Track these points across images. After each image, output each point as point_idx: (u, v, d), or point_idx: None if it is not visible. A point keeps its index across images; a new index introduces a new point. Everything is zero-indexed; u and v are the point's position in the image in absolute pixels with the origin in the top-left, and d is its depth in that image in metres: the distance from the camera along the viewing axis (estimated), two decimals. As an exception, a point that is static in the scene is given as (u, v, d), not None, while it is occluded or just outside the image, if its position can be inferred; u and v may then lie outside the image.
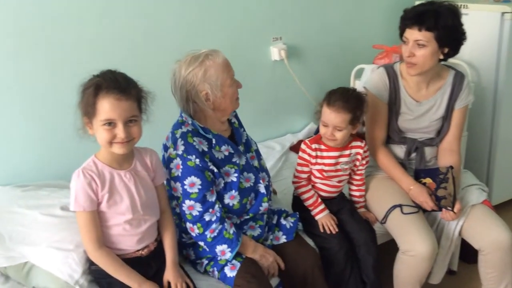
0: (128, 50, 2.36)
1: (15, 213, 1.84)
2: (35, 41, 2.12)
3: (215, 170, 1.78)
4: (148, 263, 1.67)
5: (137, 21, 2.37)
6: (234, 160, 1.85)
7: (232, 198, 1.82)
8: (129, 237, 1.63)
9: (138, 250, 1.66)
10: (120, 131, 1.51)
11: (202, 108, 1.78)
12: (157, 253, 1.71)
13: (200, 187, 1.74)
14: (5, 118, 2.13)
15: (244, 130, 2.03)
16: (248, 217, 1.90)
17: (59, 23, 2.16)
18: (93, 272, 1.66)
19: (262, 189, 1.90)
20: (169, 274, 1.67)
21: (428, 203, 2.02)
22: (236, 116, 2.03)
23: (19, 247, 1.72)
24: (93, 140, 1.61)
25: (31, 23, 2.10)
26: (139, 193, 1.64)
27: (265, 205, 1.90)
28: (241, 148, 1.91)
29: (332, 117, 1.90)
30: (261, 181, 1.90)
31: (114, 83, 1.52)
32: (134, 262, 1.63)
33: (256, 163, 1.94)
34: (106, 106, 1.49)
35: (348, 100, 1.90)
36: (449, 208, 1.99)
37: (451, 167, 2.01)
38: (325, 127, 1.94)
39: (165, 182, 1.79)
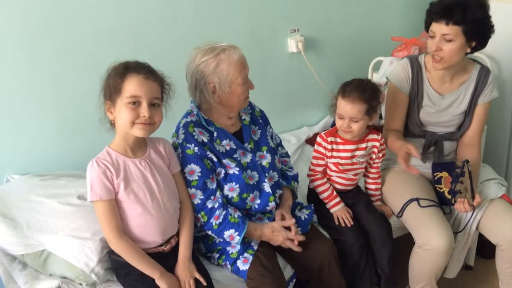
0: (145, 42, 2.37)
1: (33, 202, 1.87)
2: (53, 31, 2.14)
3: (215, 159, 1.79)
4: (167, 257, 1.68)
5: (154, 12, 2.37)
6: (235, 156, 1.85)
7: (231, 190, 1.82)
8: (152, 227, 1.63)
9: (161, 245, 1.67)
10: (144, 110, 1.54)
11: (208, 99, 1.80)
12: (178, 248, 1.71)
13: (200, 174, 1.76)
14: (24, 109, 2.16)
15: (264, 128, 2.00)
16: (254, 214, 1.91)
17: (76, 13, 2.17)
18: (113, 261, 1.67)
19: (267, 188, 1.89)
20: (179, 269, 1.67)
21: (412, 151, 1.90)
22: (262, 116, 2.03)
23: (36, 235, 1.74)
24: (110, 134, 1.64)
25: (49, 13, 2.11)
26: (156, 180, 1.65)
27: (271, 204, 1.89)
28: (248, 145, 1.90)
29: (348, 108, 1.89)
30: (266, 180, 1.88)
31: (142, 65, 1.59)
32: (154, 257, 1.64)
33: (265, 162, 1.92)
34: (133, 83, 1.53)
35: (364, 90, 1.88)
36: (467, 200, 1.95)
37: (467, 161, 1.97)
38: (341, 119, 1.93)
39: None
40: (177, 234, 1.73)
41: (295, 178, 2.09)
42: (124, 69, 1.55)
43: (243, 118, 1.95)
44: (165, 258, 1.66)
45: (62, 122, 2.27)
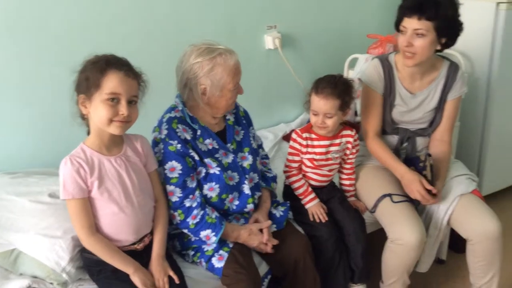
0: (121, 38, 2.34)
1: (3, 200, 1.83)
2: (26, 25, 2.10)
3: (196, 157, 1.78)
4: (140, 255, 1.66)
5: (129, 7, 2.34)
6: (216, 155, 1.84)
7: (211, 190, 1.82)
8: (125, 226, 1.61)
9: (133, 244, 1.65)
10: (123, 108, 1.52)
11: (196, 98, 1.79)
12: (151, 246, 1.70)
13: (180, 172, 1.75)
14: (-5, 105, 2.12)
15: (248, 129, 2.00)
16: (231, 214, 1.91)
17: (49, 6, 2.14)
18: (85, 259, 1.65)
19: (246, 190, 1.88)
20: (153, 267, 1.65)
21: (420, 192, 1.97)
22: (246, 117, 2.03)
23: (6, 234, 1.72)
24: (84, 130, 1.61)
25: (21, 6, 2.08)
26: (131, 179, 1.63)
27: (250, 206, 1.89)
28: (230, 146, 1.90)
29: (321, 104, 1.90)
30: (246, 181, 1.88)
31: (122, 61, 1.56)
32: (127, 254, 1.62)
33: (246, 163, 1.92)
34: (114, 80, 1.50)
35: (336, 86, 1.90)
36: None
37: (429, 155, 2.01)
38: (315, 115, 1.94)
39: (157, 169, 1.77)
40: (151, 232, 1.72)
41: (274, 179, 2.09)
42: (105, 64, 1.52)
43: (227, 118, 1.94)
44: (138, 256, 1.65)
45: (34, 118, 2.23)
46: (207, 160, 1.81)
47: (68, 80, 1.58)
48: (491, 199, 2.91)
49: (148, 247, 1.69)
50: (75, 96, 1.57)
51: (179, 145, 1.75)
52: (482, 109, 2.87)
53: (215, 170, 1.81)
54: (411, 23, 1.95)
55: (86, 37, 2.24)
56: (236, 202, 1.88)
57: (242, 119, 2.01)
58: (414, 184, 1.99)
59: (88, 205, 1.56)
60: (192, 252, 1.85)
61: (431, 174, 1.99)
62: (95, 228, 1.58)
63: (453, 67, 2.13)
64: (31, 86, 2.18)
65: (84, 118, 1.60)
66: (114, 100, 1.51)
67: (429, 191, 1.98)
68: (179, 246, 1.88)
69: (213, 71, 1.74)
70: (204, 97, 1.78)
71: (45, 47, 2.17)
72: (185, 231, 1.80)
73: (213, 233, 1.77)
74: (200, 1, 2.54)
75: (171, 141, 1.75)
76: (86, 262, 1.66)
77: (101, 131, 1.58)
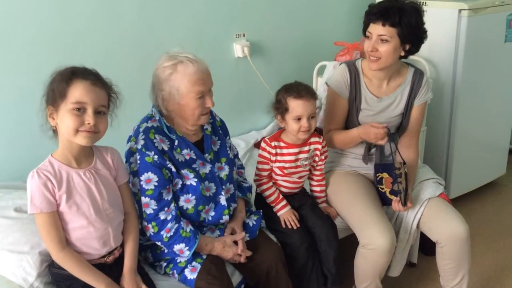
0: (88, 45, 2.31)
1: (-33, 215, 1.79)
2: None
3: (173, 169, 1.76)
4: (110, 268, 1.64)
5: (96, 15, 2.32)
6: (194, 166, 1.83)
7: (187, 202, 1.80)
8: (94, 240, 1.58)
9: (103, 257, 1.62)
10: (89, 117, 1.49)
11: (159, 105, 1.78)
12: (121, 259, 1.67)
13: (156, 183, 1.72)
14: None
15: (224, 139, 1.99)
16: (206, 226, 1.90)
17: (15, 14, 2.11)
18: (54, 274, 1.62)
19: (223, 201, 1.87)
20: (125, 281, 1.63)
21: (378, 134, 1.99)
22: (222, 127, 2.02)
23: (-29, 251, 1.67)
24: (53, 142, 1.58)
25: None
26: (101, 193, 1.60)
27: (225, 217, 1.89)
28: (208, 156, 1.88)
29: (307, 106, 1.92)
30: (222, 192, 1.87)
31: (90, 71, 1.54)
32: (97, 268, 1.59)
33: (223, 174, 1.90)
34: (80, 89, 1.48)
35: (307, 88, 1.96)
36: (401, 201, 2.02)
37: (404, 163, 2.05)
38: (299, 120, 1.94)
39: (129, 181, 1.75)
40: (121, 245, 1.69)
41: (250, 189, 2.09)
42: (71, 74, 1.49)
43: (205, 127, 1.92)
44: (108, 269, 1.62)
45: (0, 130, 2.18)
46: (184, 171, 1.79)
47: (34, 89, 1.56)
48: (458, 202, 2.99)
49: (118, 260, 1.67)
50: (44, 108, 1.54)
51: (156, 156, 1.72)
52: (448, 114, 2.94)
53: (191, 181, 1.79)
54: (376, 29, 2.00)
55: (52, 47, 2.21)
56: (212, 213, 1.87)
57: (219, 129, 1.99)
58: (370, 130, 2.02)
59: (57, 219, 1.53)
60: (165, 264, 1.82)
61: (406, 182, 2.03)
62: (65, 242, 1.55)
63: (418, 73, 2.18)
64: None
65: (54, 130, 1.57)
66: (80, 109, 1.49)
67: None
68: (152, 257, 1.85)
69: (172, 77, 1.72)
70: (166, 103, 1.76)
71: (10, 57, 2.13)
72: (158, 243, 1.78)
73: (187, 247, 1.75)
74: (168, 9, 2.54)
75: (147, 152, 1.72)
76: (55, 277, 1.62)
77: (69, 143, 1.55)
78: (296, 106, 1.94)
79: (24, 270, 1.60)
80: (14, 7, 2.09)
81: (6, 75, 2.14)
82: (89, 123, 1.49)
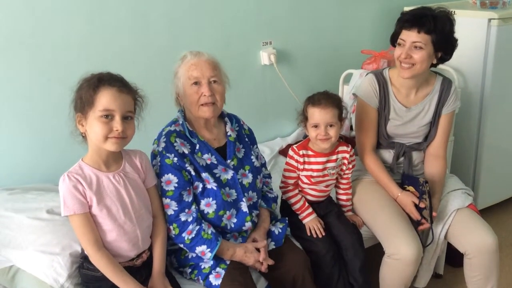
0: (117, 52, 2.36)
1: (1, 217, 1.83)
2: (23, 41, 2.12)
3: (193, 172, 1.78)
4: (138, 271, 1.66)
5: (125, 23, 2.37)
6: (215, 171, 1.84)
7: (208, 206, 1.82)
8: (124, 242, 1.61)
9: (132, 260, 1.65)
10: (117, 124, 1.52)
11: (176, 102, 1.86)
12: (149, 262, 1.70)
13: (176, 185, 1.75)
14: (-7, 121, 2.13)
15: (250, 148, 2.00)
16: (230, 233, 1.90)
17: (48, 23, 2.16)
18: (83, 276, 1.65)
19: (244, 208, 1.88)
20: (153, 284, 1.65)
21: (413, 214, 2.04)
22: (250, 135, 2.03)
23: (4, 251, 1.71)
24: (83, 147, 1.61)
25: (19, 23, 2.10)
26: (130, 195, 1.63)
27: (248, 224, 1.89)
28: (231, 162, 1.89)
29: (323, 113, 1.92)
30: (244, 199, 1.87)
31: (116, 77, 1.58)
32: (126, 270, 1.61)
33: (246, 181, 1.90)
34: (107, 97, 1.51)
35: (329, 96, 1.95)
36: (427, 220, 2.01)
37: (426, 182, 2.04)
38: (317, 128, 1.94)
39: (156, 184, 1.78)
40: (149, 248, 1.71)
41: (275, 200, 2.09)
42: (98, 82, 1.53)
43: (228, 134, 1.94)
44: (136, 272, 1.65)
45: (33, 134, 2.24)
46: (204, 175, 1.80)
47: (65, 96, 1.59)
48: (487, 213, 2.94)
49: (146, 263, 1.69)
50: (73, 115, 1.58)
51: (175, 158, 1.76)
52: (476, 124, 2.90)
53: (212, 185, 1.81)
54: (410, 36, 1.99)
55: (82, 53, 2.26)
56: (234, 220, 1.87)
57: (245, 137, 2.01)
58: (407, 207, 2.07)
59: (91, 220, 1.56)
60: (190, 270, 1.84)
61: (429, 200, 2.01)
62: (101, 243, 1.57)
63: (446, 82, 2.16)
64: (29, 102, 2.19)
65: (83, 136, 1.61)
66: (108, 116, 1.52)
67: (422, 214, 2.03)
68: (176, 262, 1.87)
69: (178, 69, 1.82)
70: (181, 100, 1.84)
71: (42, 64, 2.19)
72: (181, 245, 1.80)
73: (208, 249, 1.76)
74: (196, 16, 2.57)
75: (168, 154, 1.76)
76: (84, 278, 1.65)
77: (98, 148, 1.58)
78: (312, 113, 1.94)
79: (55, 271, 1.64)
80: (45, 18, 2.15)
81: (39, 82, 2.19)
82: (117, 130, 1.52)
